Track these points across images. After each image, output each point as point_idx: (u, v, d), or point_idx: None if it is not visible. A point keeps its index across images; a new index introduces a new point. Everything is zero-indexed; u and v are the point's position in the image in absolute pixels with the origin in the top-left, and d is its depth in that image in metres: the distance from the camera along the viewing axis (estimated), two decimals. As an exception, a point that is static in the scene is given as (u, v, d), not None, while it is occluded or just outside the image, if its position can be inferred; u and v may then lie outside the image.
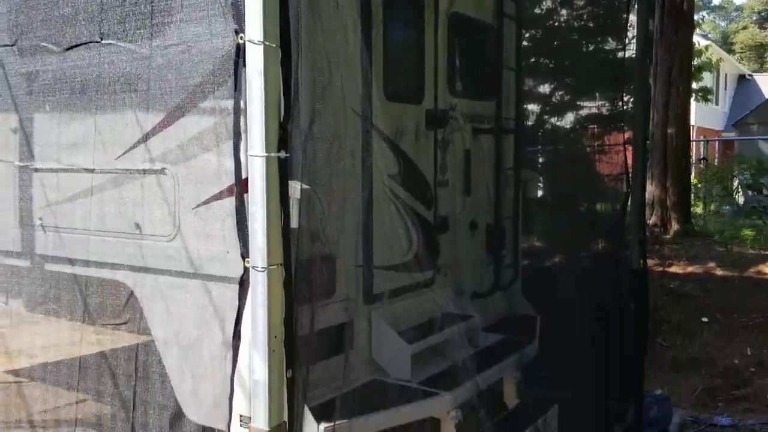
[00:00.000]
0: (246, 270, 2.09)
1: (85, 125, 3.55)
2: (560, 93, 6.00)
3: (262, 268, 1.99)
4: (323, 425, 2.89)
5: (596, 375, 4.35)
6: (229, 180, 3.02)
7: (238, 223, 2.14)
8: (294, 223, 2.33)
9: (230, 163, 2.99)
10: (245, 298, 2.14)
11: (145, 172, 3.32)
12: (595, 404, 4.28)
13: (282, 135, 2.00)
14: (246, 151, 2.10)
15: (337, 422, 2.92)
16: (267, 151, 1.97)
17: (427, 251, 4.05)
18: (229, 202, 3.02)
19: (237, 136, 2.29)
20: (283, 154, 1.99)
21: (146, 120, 3.30)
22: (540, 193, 5.59)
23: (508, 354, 4.15)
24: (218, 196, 3.07)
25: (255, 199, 2.00)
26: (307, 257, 2.48)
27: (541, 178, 5.54)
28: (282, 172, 2.00)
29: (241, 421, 3.03)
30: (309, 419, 2.88)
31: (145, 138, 3.32)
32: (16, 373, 3.85)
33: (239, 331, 2.17)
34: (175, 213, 3.22)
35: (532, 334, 4.55)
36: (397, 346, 3.60)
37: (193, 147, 3.12)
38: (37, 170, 3.75)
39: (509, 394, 4.21)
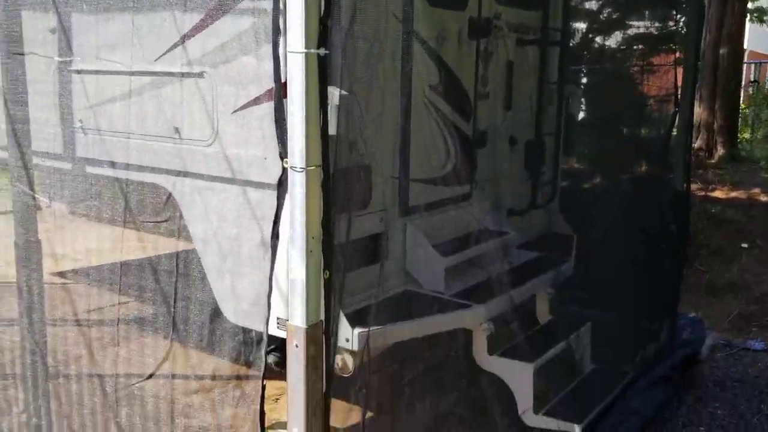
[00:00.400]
0: (284, 170, 2.07)
1: (123, 25, 3.51)
2: (609, 10, 5.74)
3: (301, 168, 1.97)
4: (357, 330, 2.93)
5: (631, 295, 4.33)
6: (269, 84, 2.98)
7: (276, 122, 2.11)
8: (332, 129, 2.29)
9: (269, 66, 2.94)
10: (283, 199, 2.13)
11: (183, 75, 3.29)
12: (629, 324, 4.27)
13: (322, 31, 1.93)
14: (285, 49, 2.04)
15: (371, 328, 2.97)
16: (306, 47, 1.91)
17: (465, 165, 4.00)
18: (268, 107, 2.99)
19: (276, 33, 2.22)
20: (322, 51, 1.93)
21: (184, 21, 3.25)
22: (583, 112, 5.44)
23: (543, 271, 4.14)
24: (257, 101, 3.04)
25: (294, 97, 1.96)
26: (345, 163, 2.46)
27: (584, 98, 5.37)
28: (322, 70, 1.94)
29: (278, 323, 3.10)
30: (344, 323, 2.93)
31: (184, 40, 3.28)
32: (61, 274, 3.95)
33: (277, 231, 2.17)
34: (214, 117, 3.21)
35: (567, 253, 4.52)
36: (432, 258, 3.60)
37: (232, 49, 3.07)
38: (78, 72, 3.75)
39: (542, 310, 4.22)
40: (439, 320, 3.38)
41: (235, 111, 3.14)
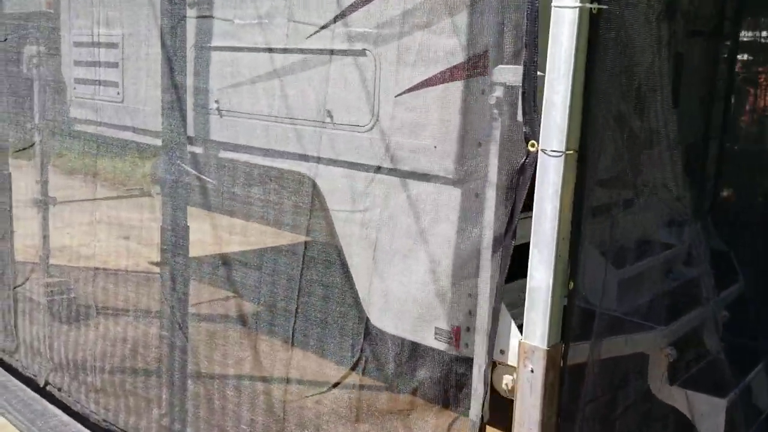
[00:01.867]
0: (528, 155, 1.70)
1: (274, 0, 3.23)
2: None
3: (557, 152, 1.60)
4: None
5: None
6: (445, 63, 2.64)
7: (524, 96, 1.74)
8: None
9: (448, 42, 2.59)
10: (523, 190, 1.76)
11: (341, 53, 2.97)
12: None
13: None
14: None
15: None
16: (581, 1, 1.52)
17: (633, 167, 3.56)
18: (443, 89, 2.64)
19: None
20: (595, 6, 1.54)
21: (345, -7, 2.93)
22: (750, 113, 4.90)
23: (716, 290, 3.66)
24: (429, 82, 2.69)
25: (558, 65, 1.58)
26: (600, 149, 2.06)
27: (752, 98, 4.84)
28: (593, 31, 1.55)
29: (436, 333, 2.75)
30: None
31: (343, 14, 2.96)
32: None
33: (514, 229, 1.80)
34: (375, 100, 2.88)
35: (732, 271, 4.02)
36: (603, 269, 3.18)
37: (403, 24, 2.73)
38: (214, 48, 3.48)
39: (711, 335, 3.74)
40: (615, 343, 2.95)
41: (401, 93, 2.80)
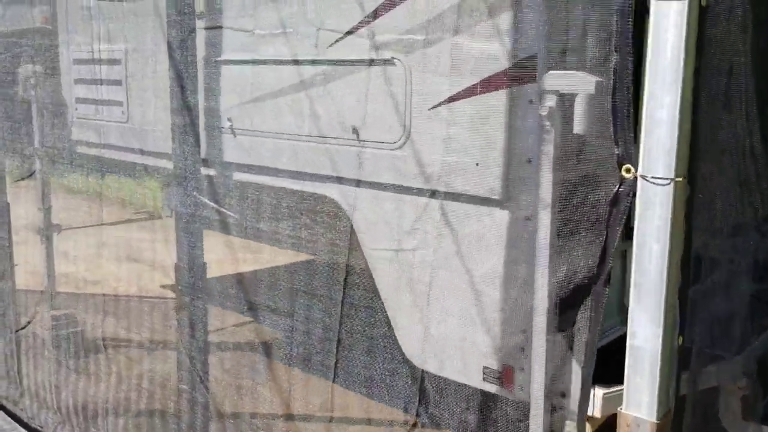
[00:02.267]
0: (622, 182, 1.40)
1: (289, 5, 2.95)
2: None
3: (664, 179, 1.29)
4: (600, 390, 2.24)
5: None
6: (486, 70, 2.35)
7: (614, 110, 1.44)
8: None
9: (491, 47, 2.30)
10: (618, 223, 1.47)
11: (366, 63, 2.68)
12: None
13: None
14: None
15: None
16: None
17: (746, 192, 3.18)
18: (486, 99, 2.35)
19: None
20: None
21: (370, -2, 2.65)
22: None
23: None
24: (470, 92, 2.40)
25: (660, 70, 1.28)
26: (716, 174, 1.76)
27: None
28: (701, 32, 1.26)
29: (484, 374, 2.46)
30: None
31: (369, 19, 2.67)
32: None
33: (607, 271, 1.50)
34: (406, 114, 2.58)
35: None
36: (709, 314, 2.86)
37: (438, 29, 2.44)
38: (225, 62, 3.20)
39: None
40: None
41: (435, 106, 2.50)
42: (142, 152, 3.60)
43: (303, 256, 3.22)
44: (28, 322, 3.33)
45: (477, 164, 2.40)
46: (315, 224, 2.97)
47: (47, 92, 3.53)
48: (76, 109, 4.08)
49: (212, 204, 2.46)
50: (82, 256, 4.05)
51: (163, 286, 3.35)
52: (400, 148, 2.62)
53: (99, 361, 3.21)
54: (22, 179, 3.43)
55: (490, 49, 2.31)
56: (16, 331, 3.27)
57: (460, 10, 2.39)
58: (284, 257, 3.31)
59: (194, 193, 2.34)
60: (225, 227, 2.77)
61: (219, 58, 3.20)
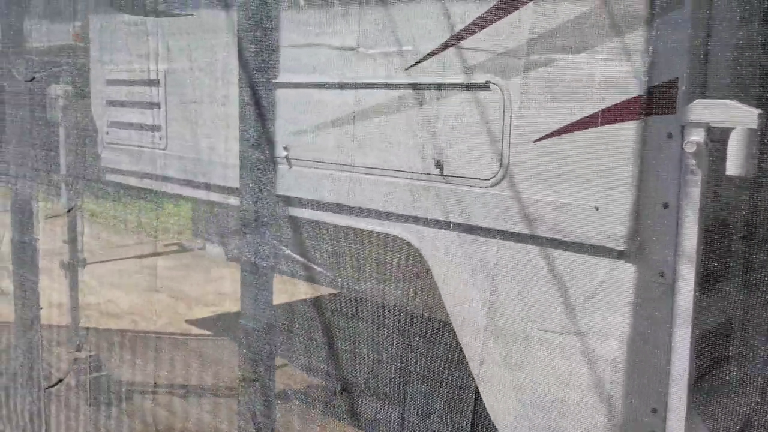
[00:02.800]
0: None
1: (358, 22, 2.61)
2: None
3: None
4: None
5: None
6: (610, 98, 2.00)
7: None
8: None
9: (617, 70, 1.95)
10: None
11: (454, 87, 2.33)
12: None
13: None
14: None
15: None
16: None
17: None
18: (610, 131, 2.00)
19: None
20: None
21: (459, 11, 2.30)
22: None
23: None
24: (589, 122, 2.05)
25: None
26: None
27: None
28: None
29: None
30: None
31: (457, 38, 2.33)
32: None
33: None
34: (503, 146, 2.23)
35: None
36: None
37: (550, 45, 2.09)
38: (280, 85, 2.86)
39: None
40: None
41: (542, 138, 2.15)
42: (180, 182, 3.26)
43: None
44: (60, 381, 2.94)
45: (597, 208, 2.04)
46: (388, 268, 2.61)
47: (76, 114, 3.18)
48: (107, 133, 3.74)
49: (300, 258, 2.10)
50: (109, 289, 3.69)
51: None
52: (495, 186, 2.27)
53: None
54: (56, 216, 3.08)
55: (616, 71, 1.96)
56: (46, 389, 2.89)
57: (575, 26, 2.05)
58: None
59: (274, 242, 1.96)
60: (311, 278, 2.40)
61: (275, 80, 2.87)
